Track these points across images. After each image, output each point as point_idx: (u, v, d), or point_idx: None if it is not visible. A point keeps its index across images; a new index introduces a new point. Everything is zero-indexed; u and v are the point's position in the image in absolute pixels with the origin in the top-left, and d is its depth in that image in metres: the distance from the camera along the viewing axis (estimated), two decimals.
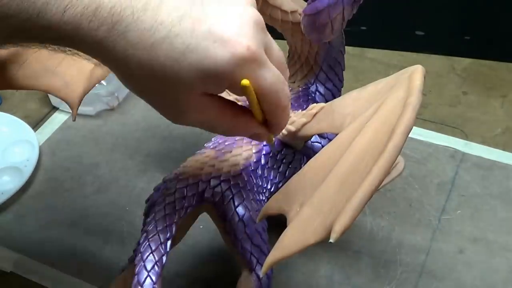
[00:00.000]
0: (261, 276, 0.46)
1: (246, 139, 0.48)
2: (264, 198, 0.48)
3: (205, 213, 0.47)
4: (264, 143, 0.48)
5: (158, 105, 0.35)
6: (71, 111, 0.54)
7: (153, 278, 0.40)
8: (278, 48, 0.36)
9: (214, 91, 0.34)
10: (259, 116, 0.37)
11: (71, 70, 0.51)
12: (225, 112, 0.36)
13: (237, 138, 0.48)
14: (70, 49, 0.34)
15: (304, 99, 0.50)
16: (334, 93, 0.51)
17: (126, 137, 0.70)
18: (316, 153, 0.40)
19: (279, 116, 0.37)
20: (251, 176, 0.47)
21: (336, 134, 0.40)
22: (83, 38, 0.31)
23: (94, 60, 0.36)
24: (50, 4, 0.30)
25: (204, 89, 0.33)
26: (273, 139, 0.41)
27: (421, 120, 0.69)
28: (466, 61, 0.79)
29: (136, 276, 0.41)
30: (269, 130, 0.38)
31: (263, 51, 0.33)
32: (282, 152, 0.49)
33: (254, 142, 0.48)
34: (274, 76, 0.34)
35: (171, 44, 0.31)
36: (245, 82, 0.33)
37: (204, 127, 0.37)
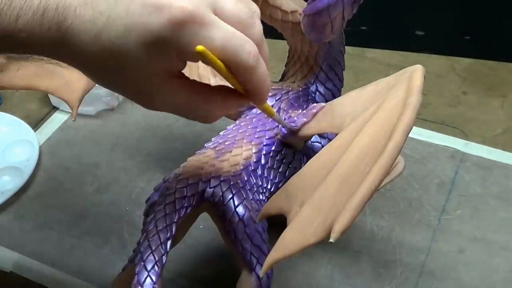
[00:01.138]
0: (261, 276, 0.46)
1: (246, 139, 0.48)
2: (264, 198, 0.48)
3: (205, 213, 0.47)
4: (265, 142, 0.48)
5: (127, 92, 0.35)
6: (71, 111, 0.54)
7: (153, 278, 0.40)
8: (233, 5, 0.34)
9: (170, 65, 0.33)
10: (236, 84, 0.35)
11: (71, 70, 0.51)
12: (196, 94, 0.35)
13: (237, 138, 0.48)
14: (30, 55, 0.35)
15: (304, 99, 0.50)
16: (334, 93, 0.51)
17: (126, 137, 0.70)
18: (316, 153, 0.40)
19: (249, 78, 0.34)
20: (251, 176, 0.47)
21: (336, 134, 0.40)
22: (37, 42, 0.32)
23: None
24: (3, 15, 0.31)
25: (159, 67, 0.33)
26: (272, 109, 0.40)
27: (421, 120, 0.69)
28: (466, 61, 0.79)
29: (136, 276, 0.41)
30: (252, 99, 0.37)
31: (205, 10, 0.32)
32: (282, 152, 0.49)
33: (254, 142, 0.48)
34: (224, 33, 0.32)
35: (111, 29, 0.32)
36: (199, 48, 0.31)
37: (180, 113, 0.36)
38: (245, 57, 0.33)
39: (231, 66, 0.34)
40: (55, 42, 0.32)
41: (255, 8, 0.35)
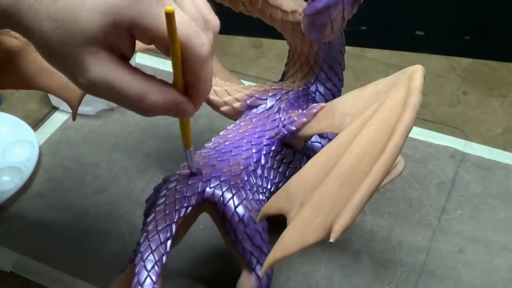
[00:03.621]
0: (261, 276, 0.46)
1: (246, 139, 0.48)
2: (264, 198, 0.48)
3: (205, 213, 0.47)
4: (265, 142, 0.48)
5: (63, 65, 0.34)
6: (71, 111, 0.54)
7: (153, 278, 0.40)
8: (190, 3, 0.34)
9: (118, 41, 0.33)
10: (178, 69, 0.34)
11: None
12: (137, 73, 0.34)
13: (237, 138, 0.48)
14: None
15: (304, 99, 0.50)
16: (334, 93, 0.51)
17: (126, 137, 0.70)
18: (316, 153, 0.40)
19: (196, 70, 0.34)
20: (251, 176, 0.47)
21: (336, 134, 0.40)
22: None
23: None
24: None
25: (106, 39, 0.32)
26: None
27: (421, 120, 0.69)
28: (466, 61, 0.79)
29: (136, 276, 0.41)
30: (191, 97, 0.36)
31: None
32: (282, 152, 0.49)
33: (254, 142, 0.48)
34: (181, 16, 0.32)
35: None
36: (169, 8, 0.31)
37: (111, 94, 0.34)
38: (198, 46, 0.33)
39: (183, 50, 0.33)
40: (7, 9, 0.32)
41: (213, 19, 0.35)
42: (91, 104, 0.71)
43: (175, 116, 0.37)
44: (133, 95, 0.34)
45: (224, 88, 0.52)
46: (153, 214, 0.43)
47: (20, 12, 0.33)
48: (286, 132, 0.47)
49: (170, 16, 0.31)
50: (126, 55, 0.34)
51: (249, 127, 0.49)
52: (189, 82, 0.35)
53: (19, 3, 0.32)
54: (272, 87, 0.52)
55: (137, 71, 0.34)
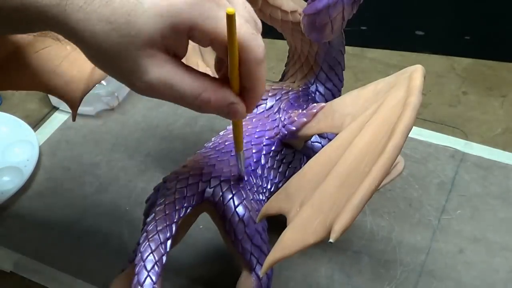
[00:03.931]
0: (261, 276, 0.46)
1: (246, 139, 0.48)
2: (264, 198, 0.48)
3: (205, 213, 0.47)
4: (265, 142, 0.48)
5: (117, 69, 0.34)
6: (71, 111, 0.54)
7: (153, 278, 0.40)
8: (243, 7, 0.34)
9: (175, 43, 0.33)
10: (235, 71, 0.34)
11: (71, 70, 0.51)
12: (191, 72, 0.34)
13: None
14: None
15: (304, 99, 0.50)
16: (334, 93, 0.51)
17: (126, 137, 0.70)
18: (316, 153, 0.40)
19: (253, 72, 0.34)
20: (251, 176, 0.47)
21: (336, 134, 0.40)
22: (41, 10, 0.32)
23: None
24: None
25: (163, 42, 0.32)
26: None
27: (421, 120, 0.69)
28: (466, 61, 0.79)
29: (136, 276, 0.41)
30: (245, 99, 0.36)
31: None
32: (282, 152, 0.49)
33: (254, 142, 0.48)
34: (239, 19, 0.32)
35: None
36: (230, 10, 0.31)
37: (167, 94, 0.34)
38: (256, 48, 0.33)
39: (241, 52, 0.33)
40: (59, 9, 0.32)
41: (259, 21, 0.36)
42: (91, 104, 0.71)
43: (227, 117, 0.37)
44: (189, 93, 0.34)
45: None
46: (153, 214, 0.43)
47: (67, 14, 0.32)
48: (286, 132, 0.47)
49: (231, 18, 0.31)
50: (179, 55, 0.34)
51: (249, 127, 0.49)
52: (244, 83, 0.35)
53: (67, 4, 0.32)
54: (272, 87, 0.51)
55: (191, 69, 0.35)
